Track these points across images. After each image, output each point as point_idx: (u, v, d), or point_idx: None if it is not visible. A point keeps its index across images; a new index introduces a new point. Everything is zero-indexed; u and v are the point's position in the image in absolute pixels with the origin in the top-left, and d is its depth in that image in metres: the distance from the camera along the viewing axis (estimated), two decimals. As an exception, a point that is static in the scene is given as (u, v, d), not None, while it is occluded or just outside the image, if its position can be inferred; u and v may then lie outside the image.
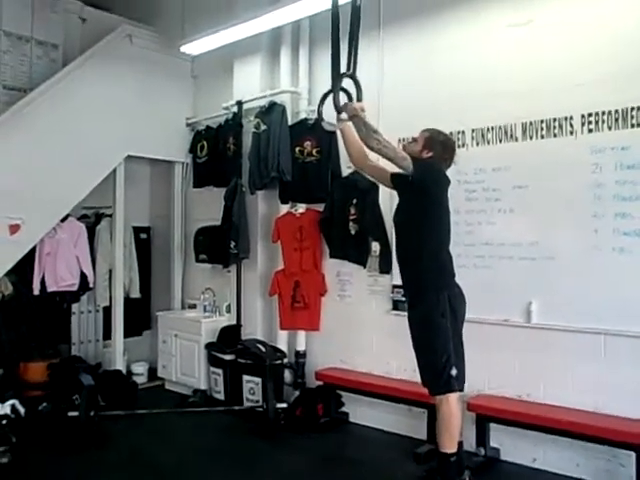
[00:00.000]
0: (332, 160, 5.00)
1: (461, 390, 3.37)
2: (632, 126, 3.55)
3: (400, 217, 3.57)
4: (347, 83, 3.48)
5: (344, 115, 3.40)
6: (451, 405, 3.28)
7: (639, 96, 3.52)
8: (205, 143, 6.05)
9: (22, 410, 4.61)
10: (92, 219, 6.10)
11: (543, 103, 3.88)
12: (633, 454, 3.36)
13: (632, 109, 3.54)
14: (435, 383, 3.34)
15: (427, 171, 3.37)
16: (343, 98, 3.44)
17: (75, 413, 4.45)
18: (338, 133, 3.59)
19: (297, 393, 5.09)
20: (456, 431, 3.32)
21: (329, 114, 3.58)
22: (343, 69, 3.39)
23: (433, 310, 3.30)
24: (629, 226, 3.54)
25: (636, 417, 3.46)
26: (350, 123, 3.40)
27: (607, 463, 3.59)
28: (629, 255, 3.54)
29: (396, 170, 3.42)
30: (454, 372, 3.27)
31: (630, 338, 3.52)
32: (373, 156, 3.60)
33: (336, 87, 3.37)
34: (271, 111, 5.23)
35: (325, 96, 3.54)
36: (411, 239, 3.46)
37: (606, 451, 3.56)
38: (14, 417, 4.49)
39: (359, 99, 3.41)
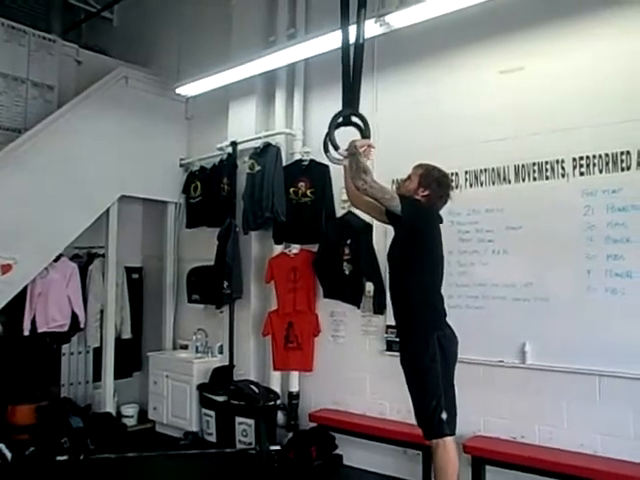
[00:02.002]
0: (326, 201, 5.05)
1: (452, 434, 3.29)
2: (622, 169, 3.64)
3: (393, 251, 3.56)
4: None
5: (341, 152, 3.39)
6: (448, 450, 3.22)
7: (628, 141, 3.62)
8: (199, 183, 6.10)
9: (9, 455, 4.52)
10: (84, 259, 6.08)
11: (535, 146, 3.97)
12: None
13: (622, 153, 3.64)
14: (426, 427, 3.29)
15: (416, 211, 3.34)
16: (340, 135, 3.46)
17: (64, 457, 4.38)
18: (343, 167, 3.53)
19: (290, 435, 5.03)
20: (454, 477, 3.26)
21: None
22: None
23: (423, 354, 3.26)
24: (621, 267, 3.59)
25: (632, 460, 3.45)
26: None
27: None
28: (621, 296, 3.59)
29: None
30: (444, 416, 3.22)
31: (624, 379, 3.54)
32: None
33: (331, 125, 3.39)
34: (266, 152, 5.30)
35: (336, 127, 3.47)
36: (402, 276, 3.44)
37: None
38: (0, 462, 4.40)
39: (367, 136, 3.42)
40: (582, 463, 3.52)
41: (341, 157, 3.38)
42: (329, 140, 3.36)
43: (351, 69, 3.35)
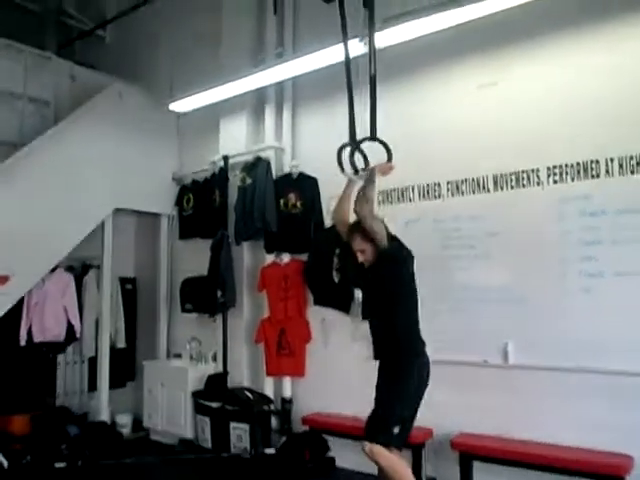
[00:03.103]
0: (315, 212, 5.24)
1: (398, 447, 3.45)
2: (592, 177, 3.90)
3: (377, 286, 3.57)
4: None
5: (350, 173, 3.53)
6: (382, 454, 3.33)
7: (597, 151, 3.88)
8: (191, 196, 6.28)
9: (5, 463, 4.62)
10: (79, 270, 6.21)
11: (512, 157, 4.22)
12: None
13: (592, 162, 3.90)
14: (376, 431, 3.39)
15: (399, 247, 3.53)
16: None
17: (62, 464, 4.47)
18: (352, 184, 3.60)
19: (284, 439, 5.16)
20: (408, 472, 3.42)
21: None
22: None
23: (406, 375, 3.43)
24: (594, 268, 3.85)
25: (610, 450, 3.65)
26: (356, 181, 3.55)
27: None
28: (595, 295, 3.83)
29: None
30: (396, 430, 3.38)
31: (600, 374, 3.76)
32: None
33: (353, 147, 3.53)
34: (256, 166, 5.49)
35: (340, 150, 3.61)
36: (388, 309, 3.51)
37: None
38: (-3, 470, 4.51)
39: (389, 160, 3.53)
40: (563, 455, 3.73)
41: (359, 179, 3.52)
42: (364, 162, 3.51)
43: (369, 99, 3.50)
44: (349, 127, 3.55)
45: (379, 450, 3.33)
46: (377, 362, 3.56)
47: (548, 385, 3.99)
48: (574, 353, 3.86)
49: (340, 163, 3.56)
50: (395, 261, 3.48)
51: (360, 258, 3.54)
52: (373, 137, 3.48)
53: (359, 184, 3.53)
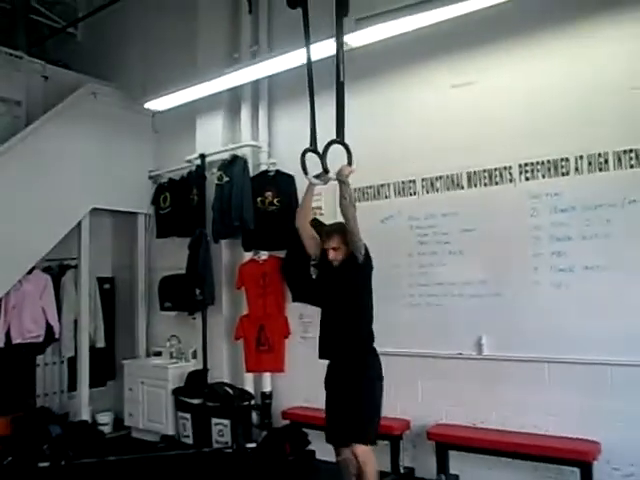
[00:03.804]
0: (292, 209, 5.20)
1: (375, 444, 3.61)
2: (562, 174, 4.03)
3: (342, 287, 3.63)
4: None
5: (313, 178, 3.59)
6: (372, 456, 3.51)
7: (567, 149, 4.01)
8: (168, 195, 6.28)
9: (-13, 465, 4.63)
10: (56, 270, 6.18)
11: (485, 155, 4.34)
12: (577, 470, 3.71)
13: (562, 159, 4.03)
14: (361, 430, 3.49)
15: (369, 255, 3.62)
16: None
17: (45, 464, 4.50)
18: (313, 187, 3.67)
19: (264, 433, 5.24)
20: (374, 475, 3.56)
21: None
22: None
23: (376, 372, 3.58)
24: (564, 263, 3.99)
25: (579, 436, 3.81)
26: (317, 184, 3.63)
27: (555, 480, 3.93)
28: (565, 289, 3.98)
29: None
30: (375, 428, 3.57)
31: (569, 364, 3.92)
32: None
33: (307, 150, 3.58)
34: (233, 164, 5.53)
35: (304, 153, 3.61)
36: (351, 309, 3.61)
37: (554, 469, 3.90)
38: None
39: (349, 163, 3.53)
40: (535, 442, 3.89)
41: (320, 182, 3.61)
42: (322, 165, 3.53)
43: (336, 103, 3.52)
44: (310, 132, 3.59)
45: (370, 453, 3.48)
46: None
47: (520, 375, 4.13)
48: (545, 345, 4.01)
49: (304, 167, 3.60)
50: (369, 265, 3.61)
51: (331, 255, 3.63)
52: (335, 140, 3.50)
53: (319, 187, 3.68)
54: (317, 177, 3.60)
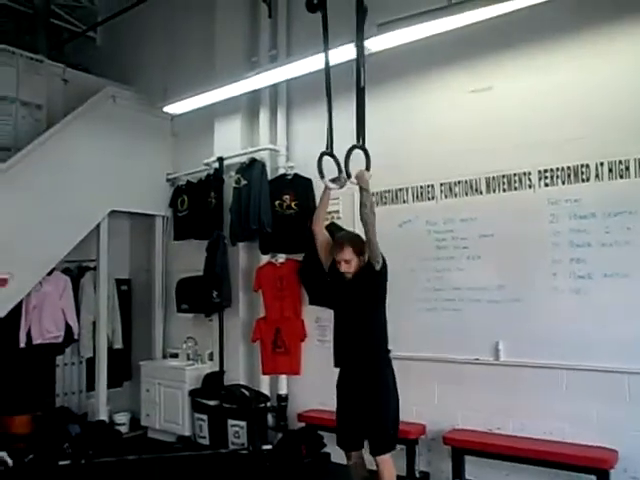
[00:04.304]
0: (310, 213, 5.23)
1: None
2: (582, 181, 4.02)
3: (359, 295, 3.59)
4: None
5: (329, 182, 3.59)
6: (392, 463, 3.52)
7: (587, 155, 4.00)
8: (186, 197, 6.33)
9: (10, 461, 4.70)
10: (75, 272, 6.26)
11: (504, 160, 4.33)
12: (594, 478, 3.70)
13: (582, 166, 4.02)
14: (382, 443, 3.52)
15: (386, 263, 3.59)
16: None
17: (66, 462, 4.57)
18: (329, 190, 3.65)
19: (280, 435, 5.28)
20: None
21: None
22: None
23: (393, 381, 3.58)
24: (583, 270, 3.98)
25: (597, 444, 3.80)
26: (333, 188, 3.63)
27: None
28: (584, 296, 3.97)
29: None
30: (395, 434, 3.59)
31: (587, 372, 3.91)
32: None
33: (324, 154, 3.58)
34: (251, 167, 5.57)
35: (321, 157, 3.61)
36: (368, 317, 3.59)
37: (571, 477, 3.89)
38: (2, 469, 4.59)
39: (367, 168, 3.54)
40: (552, 449, 3.89)
41: (336, 186, 3.60)
42: (344, 169, 3.50)
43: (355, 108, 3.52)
44: (327, 137, 3.60)
45: (391, 461, 3.50)
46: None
47: (537, 382, 4.13)
48: (563, 351, 4.00)
49: (320, 170, 3.59)
50: (385, 275, 3.55)
51: (343, 268, 3.56)
52: (356, 146, 3.49)
53: (335, 191, 3.66)
54: (333, 181, 3.60)
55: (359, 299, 3.59)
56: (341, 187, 3.64)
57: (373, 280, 3.54)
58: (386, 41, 4.23)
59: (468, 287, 4.48)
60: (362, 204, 3.45)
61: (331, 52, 3.73)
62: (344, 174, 3.52)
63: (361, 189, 3.47)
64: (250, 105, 5.87)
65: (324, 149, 3.60)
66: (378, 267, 3.49)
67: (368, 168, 3.52)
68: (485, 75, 4.49)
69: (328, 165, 3.59)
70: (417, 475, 4.54)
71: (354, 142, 3.50)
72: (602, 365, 3.84)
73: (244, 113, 5.88)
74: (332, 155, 3.58)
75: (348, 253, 3.54)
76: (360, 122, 3.49)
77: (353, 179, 3.50)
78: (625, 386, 3.79)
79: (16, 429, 5.39)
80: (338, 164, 3.55)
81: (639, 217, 3.79)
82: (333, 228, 4.69)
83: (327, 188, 3.66)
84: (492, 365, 4.34)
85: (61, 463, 4.57)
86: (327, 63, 3.67)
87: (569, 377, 4.00)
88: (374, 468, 3.57)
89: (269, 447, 5.02)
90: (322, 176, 3.60)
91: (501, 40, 4.36)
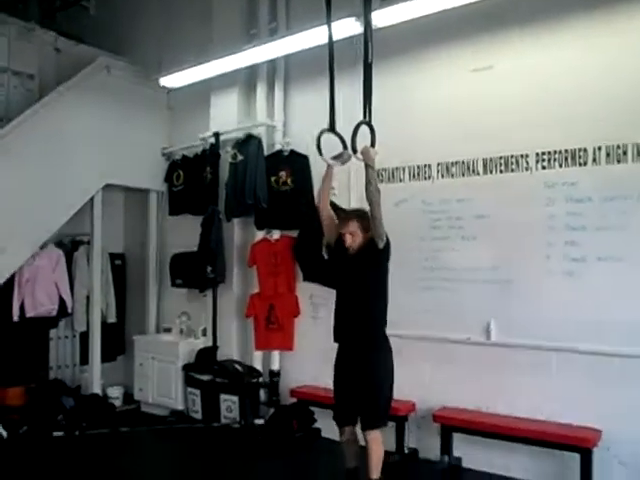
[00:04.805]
0: (306, 189, 5.29)
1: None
2: (579, 164, 4.02)
3: (362, 274, 3.62)
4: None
5: (331, 159, 3.57)
6: (380, 441, 3.57)
7: (585, 139, 3.99)
8: (181, 172, 6.28)
9: (4, 433, 4.75)
10: (68, 246, 6.24)
11: (502, 141, 4.31)
12: (577, 456, 3.77)
13: (579, 150, 4.01)
14: (375, 418, 3.57)
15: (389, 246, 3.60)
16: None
17: (60, 433, 4.61)
18: (331, 168, 3.64)
19: (272, 410, 5.33)
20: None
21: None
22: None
23: (391, 360, 3.61)
24: (577, 252, 4.00)
25: (583, 424, 3.87)
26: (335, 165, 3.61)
27: (556, 466, 4.01)
28: (577, 278, 3.99)
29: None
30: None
31: (576, 353, 3.95)
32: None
33: (323, 131, 3.57)
34: (248, 143, 5.53)
35: (320, 134, 3.59)
36: (371, 297, 3.62)
37: (555, 454, 3.96)
38: (-3, 440, 4.63)
39: (372, 144, 3.55)
40: (537, 428, 3.96)
41: (337, 163, 3.58)
42: (351, 145, 3.48)
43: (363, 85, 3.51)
44: (329, 113, 3.58)
45: (380, 438, 3.55)
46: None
47: (527, 363, 4.17)
48: (553, 333, 4.04)
49: (319, 148, 3.56)
50: (387, 253, 3.58)
51: (347, 241, 3.60)
52: (362, 121, 3.49)
53: (337, 168, 3.64)
54: (335, 158, 3.58)
55: (361, 275, 3.63)
56: (343, 164, 3.62)
57: (375, 257, 3.57)
58: (388, 17, 4.19)
59: (462, 267, 4.49)
60: (368, 182, 3.43)
61: (333, 25, 3.67)
62: (349, 150, 3.50)
63: (367, 166, 3.45)
64: (247, 80, 5.79)
65: (322, 126, 3.57)
66: (381, 245, 3.51)
67: (373, 144, 3.53)
68: (485, 54, 4.45)
69: (327, 142, 3.57)
70: (406, 451, 4.60)
71: (350, 119, 3.49)
72: (591, 347, 3.88)
73: (241, 88, 5.80)
74: (335, 131, 3.56)
75: (353, 226, 3.59)
76: (367, 98, 3.48)
77: (359, 154, 3.48)
78: (613, 368, 3.83)
79: (10, 401, 5.44)
80: (343, 141, 3.53)
81: (635, 202, 3.79)
82: (333, 207, 4.67)
83: (329, 166, 3.63)
84: (483, 345, 4.38)
85: (55, 434, 4.60)
86: (330, 37, 3.63)
87: (559, 358, 4.04)
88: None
89: (261, 422, 5.09)
90: (321, 154, 3.57)
91: (505, 18, 4.33)
